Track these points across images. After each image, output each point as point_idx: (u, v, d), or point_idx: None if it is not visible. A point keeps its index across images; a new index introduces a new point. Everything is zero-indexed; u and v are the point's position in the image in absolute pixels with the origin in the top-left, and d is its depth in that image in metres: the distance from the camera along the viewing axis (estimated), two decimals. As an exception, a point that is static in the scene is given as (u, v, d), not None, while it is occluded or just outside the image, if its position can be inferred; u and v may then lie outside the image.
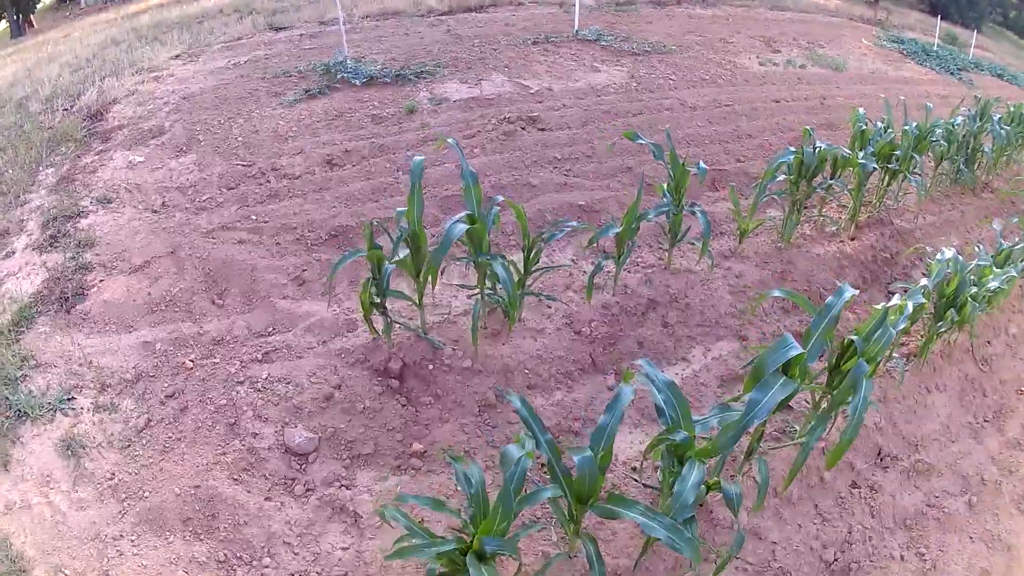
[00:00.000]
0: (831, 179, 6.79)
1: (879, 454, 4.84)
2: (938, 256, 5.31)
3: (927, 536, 4.56)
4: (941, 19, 21.84)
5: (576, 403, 4.68)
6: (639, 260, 6.29)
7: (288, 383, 4.56)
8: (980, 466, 5.13)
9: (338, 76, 9.67)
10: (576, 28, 12.16)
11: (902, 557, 4.31)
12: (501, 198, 4.83)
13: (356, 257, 4.51)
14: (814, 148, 6.21)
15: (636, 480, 4.15)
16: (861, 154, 6.62)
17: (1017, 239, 7.22)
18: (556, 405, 4.64)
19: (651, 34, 12.89)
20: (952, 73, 16.74)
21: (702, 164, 5.72)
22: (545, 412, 4.54)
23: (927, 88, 14.59)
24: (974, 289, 5.15)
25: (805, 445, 3.56)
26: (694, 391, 5.02)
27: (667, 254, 6.10)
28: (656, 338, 5.34)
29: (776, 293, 4.27)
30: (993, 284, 5.27)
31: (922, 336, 5.52)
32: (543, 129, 8.47)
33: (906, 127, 7.42)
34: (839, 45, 15.63)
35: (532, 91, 9.56)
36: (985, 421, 5.66)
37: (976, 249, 6.78)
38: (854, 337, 3.82)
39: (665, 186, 5.66)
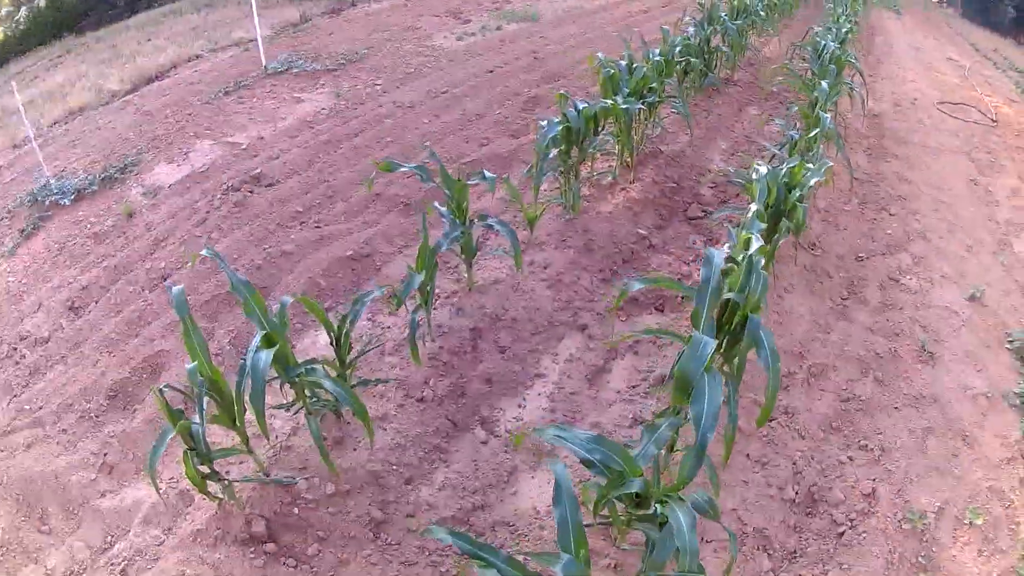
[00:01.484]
0: (596, 134, 6.82)
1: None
2: (754, 176, 5.43)
3: (858, 428, 4.84)
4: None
5: (462, 475, 4.30)
6: (437, 291, 5.84)
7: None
8: (865, 342, 5.50)
9: (46, 201, 8.32)
10: (264, 63, 11.35)
11: (850, 459, 4.53)
12: (289, 298, 4.24)
13: (169, 437, 3.76)
14: (577, 110, 6.14)
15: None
16: (620, 99, 6.68)
17: (788, 125, 7.79)
18: (445, 488, 4.22)
19: (338, 44, 12.38)
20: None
21: (487, 173, 5.41)
22: (439, 503, 4.12)
23: (632, 8, 15.39)
24: (799, 192, 5.36)
25: (731, 416, 3.54)
26: (569, 404, 4.88)
27: (467, 275, 5.81)
28: (500, 367, 5.09)
29: (636, 285, 4.10)
30: (814, 180, 5.46)
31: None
32: (271, 185, 7.74)
33: (649, 55, 7.70)
34: None
35: (243, 147, 8.73)
36: (843, 300, 6.14)
37: (764, 146, 7.23)
38: (730, 295, 3.77)
39: (444, 207, 5.32)
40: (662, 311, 5.96)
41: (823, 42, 9.35)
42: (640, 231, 6.85)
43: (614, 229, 6.67)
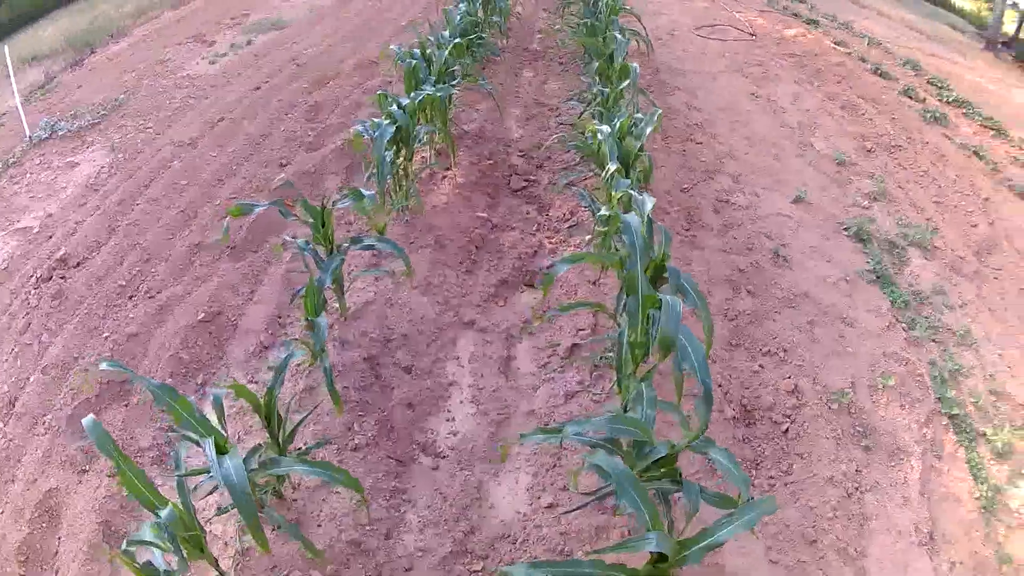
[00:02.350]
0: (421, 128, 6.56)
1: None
2: (599, 136, 5.50)
3: (754, 338, 5.31)
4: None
5: (433, 509, 4.00)
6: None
7: None
8: (724, 263, 6.05)
9: None
10: (28, 133, 9.89)
11: (761, 367, 5.00)
12: (223, 390, 3.70)
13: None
14: (402, 108, 5.88)
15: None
16: (430, 88, 6.49)
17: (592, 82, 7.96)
18: (426, 528, 3.90)
19: (93, 96, 10.86)
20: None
21: (366, 192, 4.93)
22: (429, 545, 3.81)
23: None
24: (638, 143, 5.47)
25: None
26: (496, 402, 4.73)
27: (339, 304, 5.36)
28: (412, 388, 4.79)
29: (563, 268, 4.17)
30: (649, 129, 5.58)
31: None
32: (80, 264, 6.64)
33: (430, 38, 7.53)
34: (266, 5, 15.09)
35: (35, 230, 7.34)
36: (687, 230, 6.48)
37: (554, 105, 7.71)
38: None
39: (300, 240, 4.90)
40: (533, 286, 5.98)
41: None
42: (480, 215, 6.80)
43: (456, 219, 6.54)
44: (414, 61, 6.78)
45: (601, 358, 4.86)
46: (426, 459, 4.32)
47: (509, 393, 4.81)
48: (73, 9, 16.66)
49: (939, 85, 10.93)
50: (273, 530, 3.65)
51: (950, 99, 10.31)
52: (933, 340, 5.46)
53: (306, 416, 4.06)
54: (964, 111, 9.86)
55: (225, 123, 9.23)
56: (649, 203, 4.15)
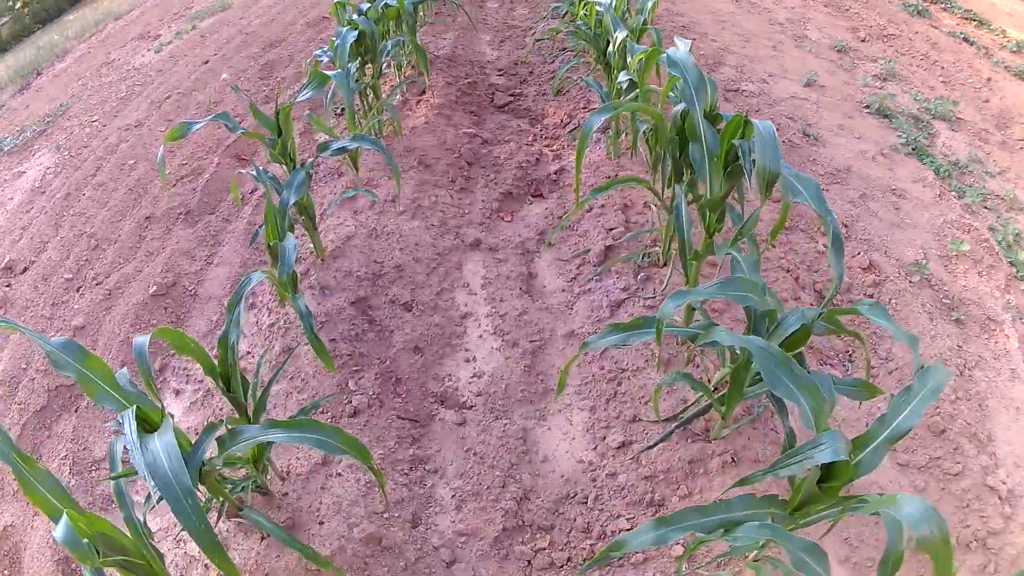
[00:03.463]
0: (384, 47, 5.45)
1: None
2: (597, 11, 4.82)
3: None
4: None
5: (469, 478, 3.03)
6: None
7: None
8: None
9: None
10: None
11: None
12: (145, 338, 2.72)
13: None
14: (364, 14, 4.82)
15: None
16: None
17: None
18: (464, 504, 2.93)
19: (40, 110, 9.96)
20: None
21: (331, 73, 4.00)
22: (474, 527, 2.84)
23: None
24: (642, 17, 4.59)
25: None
26: (526, 328, 3.80)
27: (313, 242, 4.27)
28: (417, 327, 3.80)
29: (597, 120, 2.97)
30: (650, 2, 4.66)
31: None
32: (26, 269, 5.61)
33: None
34: None
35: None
36: None
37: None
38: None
39: (256, 169, 3.95)
40: (542, 196, 5.04)
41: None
42: (467, 131, 5.83)
43: (440, 138, 5.54)
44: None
45: (644, 256, 3.89)
46: (448, 413, 3.35)
47: (539, 315, 3.84)
48: (17, 49, 16.49)
49: (916, -18, 10.39)
50: (262, 539, 2.71)
51: (929, -7, 9.86)
52: (985, 207, 5.03)
53: (277, 373, 3.01)
54: (944, 5, 9.66)
55: (173, 98, 8.31)
56: (684, 43, 3.12)
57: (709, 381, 2.87)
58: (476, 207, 4.89)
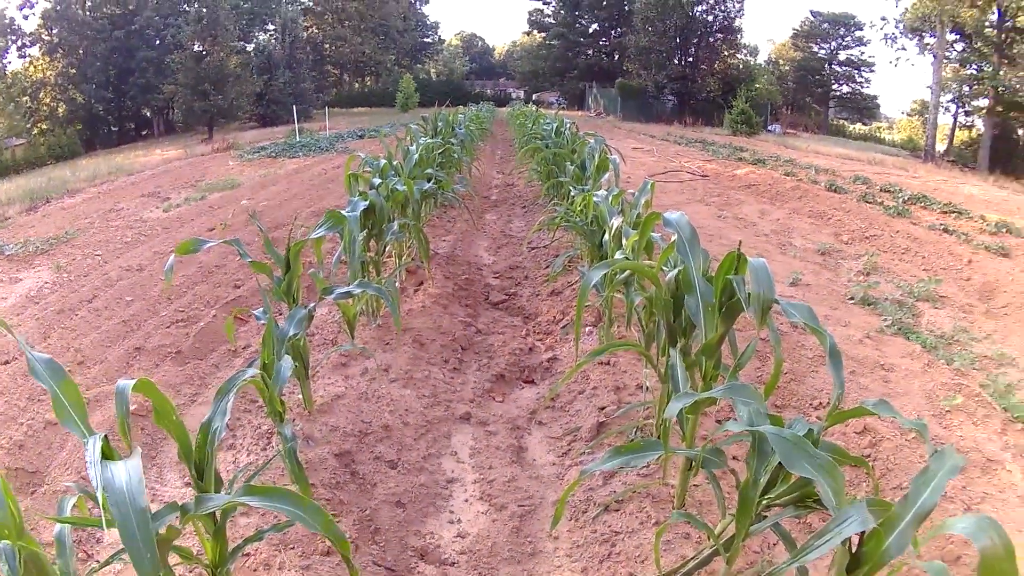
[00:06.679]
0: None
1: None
2: (594, 202, 5.15)
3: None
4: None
5: None
6: (266, 431, 4.08)
7: None
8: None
9: None
10: None
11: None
12: (128, 382, 2.55)
13: None
14: (375, 189, 5.19)
15: None
16: (401, 186, 5.87)
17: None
18: None
19: (44, 232, 10.25)
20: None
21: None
22: None
23: (324, 167, 15.89)
24: (635, 210, 4.97)
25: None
26: (515, 494, 3.68)
27: (302, 393, 4.17)
28: (401, 484, 3.61)
29: (595, 276, 3.23)
30: (644, 197, 5.12)
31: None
32: (7, 363, 5.68)
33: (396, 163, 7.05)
34: (220, 171, 15.49)
35: None
36: None
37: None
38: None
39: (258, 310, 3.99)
40: (534, 382, 5.11)
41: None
42: (462, 320, 6.03)
43: (436, 322, 5.73)
44: (386, 160, 6.24)
45: (637, 430, 3.89)
46: (428, 568, 3.11)
47: (529, 483, 3.73)
48: (29, 174, 17.68)
49: (892, 191, 11.78)
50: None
51: (906, 198, 11.05)
52: (975, 368, 5.28)
53: (256, 474, 2.86)
54: (923, 205, 10.65)
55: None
56: (678, 213, 3.39)
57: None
58: (468, 386, 4.94)
